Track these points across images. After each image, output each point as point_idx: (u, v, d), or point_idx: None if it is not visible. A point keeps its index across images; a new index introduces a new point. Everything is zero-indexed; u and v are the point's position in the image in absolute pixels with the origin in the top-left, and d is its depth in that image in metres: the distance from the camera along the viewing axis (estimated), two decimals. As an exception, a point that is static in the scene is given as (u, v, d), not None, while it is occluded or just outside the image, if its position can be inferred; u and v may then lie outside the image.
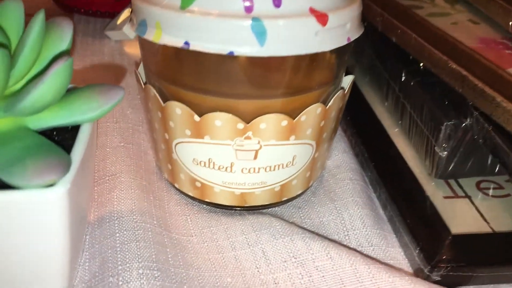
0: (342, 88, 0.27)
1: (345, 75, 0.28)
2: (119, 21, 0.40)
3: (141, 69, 0.28)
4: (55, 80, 0.17)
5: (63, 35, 0.19)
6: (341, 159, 0.31)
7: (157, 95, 0.25)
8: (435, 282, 0.24)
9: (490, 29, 0.33)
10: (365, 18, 0.38)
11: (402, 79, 0.34)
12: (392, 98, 0.36)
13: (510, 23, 0.31)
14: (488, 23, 0.34)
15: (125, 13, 0.41)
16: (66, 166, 0.17)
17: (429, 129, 0.30)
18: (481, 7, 0.34)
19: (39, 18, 0.18)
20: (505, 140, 0.24)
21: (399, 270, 0.24)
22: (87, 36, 0.42)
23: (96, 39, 0.42)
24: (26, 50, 0.18)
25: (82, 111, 0.19)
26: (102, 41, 0.42)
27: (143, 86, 0.26)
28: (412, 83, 0.32)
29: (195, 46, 0.22)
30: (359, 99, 0.38)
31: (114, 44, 0.41)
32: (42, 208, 0.17)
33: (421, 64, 0.32)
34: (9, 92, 0.19)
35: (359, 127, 0.35)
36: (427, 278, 0.24)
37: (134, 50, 0.40)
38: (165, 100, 0.25)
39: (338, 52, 0.24)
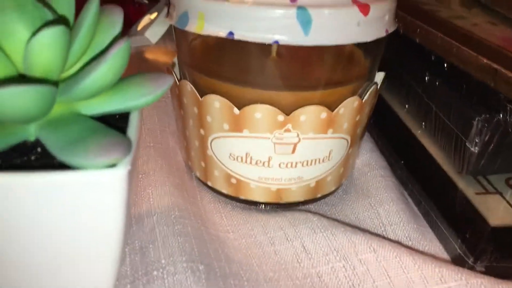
0: (376, 83, 0.27)
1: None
2: (139, 27, 0.40)
3: (176, 64, 0.28)
4: (116, 61, 0.17)
5: (114, 21, 0.19)
6: (370, 157, 0.31)
7: (194, 89, 0.25)
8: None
9: (510, 30, 0.34)
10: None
11: (426, 80, 0.34)
12: (414, 100, 0.36)
13: (533, 22, 0.31)
14: (508, 25, 0.34)
15: (146, 19, 0.41)
16: (128, 146, 0.16)
17: (459, 127, 0.30)
18: (502, 9, 0.34)
19: (95, 2, 0.18)
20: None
21: (444, 260, 0.24)
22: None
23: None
24: (82, 33, 0.18)
25: (135, 97, 0.19)
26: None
27: (177, 82, 0.26)
28: (437, 83, 0.33)
29: (239, 35, 0.22)
30: (381, 102, 0.38)
31: (134, 51, 0.41)
32: (102, 189, 0.16)
33: (445, 64, 0.33)
34: (63, 76, 0.18)
35: (384, 129, 0.35)
36: (471, 270, 0.24)
37: (153, 56, 0.40)
38: (202, 94, 0.25)
39: (375, 44, 0.25)
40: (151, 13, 0.41)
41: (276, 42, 0.22)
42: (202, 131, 0.26)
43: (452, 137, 0.31)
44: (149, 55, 0.40)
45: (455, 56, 0.30)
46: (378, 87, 0.27)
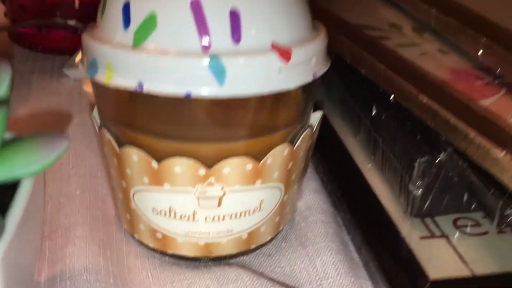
0: (310, 126, 0.25)
1: (313, 111, 0.26)
2: (77, 59, 0.39)
3: (96, 111, 0.26)
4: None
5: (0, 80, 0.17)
6: (313, 200, 0.29)
7: (112, 140, 0.23)
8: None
9: (459, 59, 0.33)
10: (333, 50, 0.37)
11: (373, 112, 0.33)
12: (364, 131, 0.34)
13: (479, 52, 0.30)
14: (458, 53, 0.33)
15: (83, 51, 0.39)
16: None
17: (403, 165, 0.28)
18: (450, 36, 0.33)
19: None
20: (482, 177, 0.22)
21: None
22: (45, 75, 0.40)
23: (54, 78, 0.40)
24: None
25: (21, 166, 0.17)
26: (60, 80, 0.40)
27: (97, 130, 0.25)
28: (383, 117, 0.31)
29: (149, 88, 0.20)
30: (330, 134, 0.36)
31: (73, 83, 0.39)
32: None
33: (392, 97, 0.31)
34: None
35: (331, 164, 0.33)
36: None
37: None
38: (121, 145, 0.23)
39: (304, 88, 0.23)
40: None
41: (189, 95, 0.20)
42: (124, 183, 0.24)
43: (398, 175, 0.29)
44: (88, 89, 0.38)
45: (397, 91, 0.29)
46: (314, 129, 0.26)
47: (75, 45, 0.43)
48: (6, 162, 0.17)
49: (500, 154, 0.21)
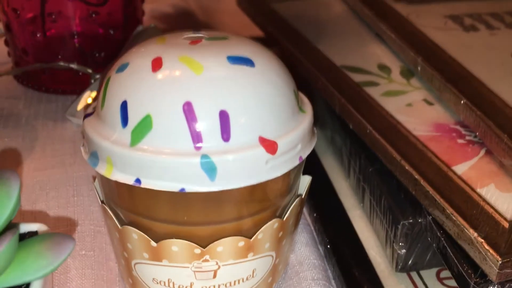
0: (300, 195, 0.27)
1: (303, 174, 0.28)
2: (79, 107, 0.40)
3: (97, 184, 0.28)
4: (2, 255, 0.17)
5: (10, 192, 0.19)
6: (304, 254, 0.31)
7: (113, 218, 0.25)
8: None
9: (444, 112, 0.34)
10: (325, 98, 0.38)
11: (362, 162, 0.34)
12: (353, 177, 0.36)
13: (460, 111, 0.31)
14: (442, 104, 0.34)
15: (85, 98, 0.40)
16: None
17: (387, 222, 0.30)
18: (434, 88, 0.34)
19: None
20: (456, 252, 0.24)
21: None
22: (49, 120, 0.42)
23: (58, 123, 0.42)
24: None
25: (31, 271, 0.19)
26: (64, 125, 0.41)
27: (100, 202, 0.26)
28: (370, 170, 0.33)
29: (146, 183, 0.22)
30: (322, 177, 0.38)
31: (76, 129, 0.41)
32: None
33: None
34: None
35: (322, 212, 0.34)
36: None
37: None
38: (121, 222, 0.25)
39: (292, 169, 0.25)
40: (91, 90, 0.41)
41: (183, 190, 0.22)
42: (125, 254, 0.26)
43: (383, 229, 0.31)
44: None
45: (382, 154, 0.30)
46: (303, 196, 0.27)
47: (77, 87, 0.44)
48: (17, 269, 0.19)
49: (473, 234, 0.23)
